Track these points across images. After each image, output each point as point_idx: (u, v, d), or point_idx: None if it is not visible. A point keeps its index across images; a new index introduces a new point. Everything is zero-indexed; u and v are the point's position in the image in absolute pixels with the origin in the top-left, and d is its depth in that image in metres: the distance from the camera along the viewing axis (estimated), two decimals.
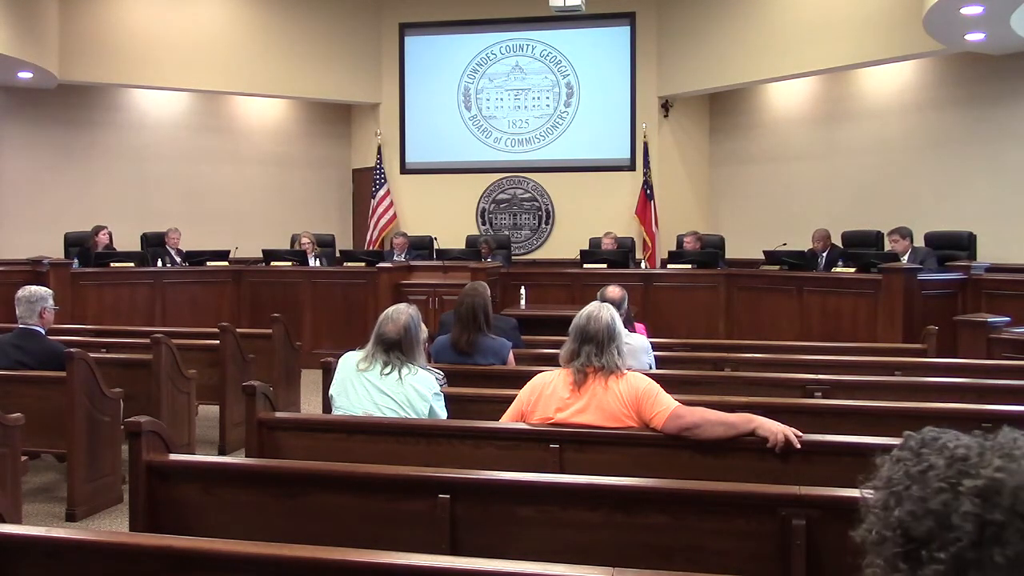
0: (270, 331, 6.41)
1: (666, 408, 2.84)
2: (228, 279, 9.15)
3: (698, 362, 5.09)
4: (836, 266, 8.01)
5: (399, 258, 9.69)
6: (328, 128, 12.10)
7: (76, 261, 8.62)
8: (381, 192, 11.20)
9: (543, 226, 11.28)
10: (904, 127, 9.34)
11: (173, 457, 2.62)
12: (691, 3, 10.59)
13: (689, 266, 8.99)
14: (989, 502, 0.85)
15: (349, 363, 3.34)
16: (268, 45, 10.82)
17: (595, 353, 2.96)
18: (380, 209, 11.17)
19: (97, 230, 9.29)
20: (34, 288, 4.77)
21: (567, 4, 8.92)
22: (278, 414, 3.24)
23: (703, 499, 2.31)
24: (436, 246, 10.22)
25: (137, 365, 5.11)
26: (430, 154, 11.43)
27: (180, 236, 9.67)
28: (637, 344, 4.23)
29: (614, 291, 4.53)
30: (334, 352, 3.90)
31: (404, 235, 10.29)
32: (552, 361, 3.47)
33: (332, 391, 3.37)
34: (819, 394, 3.96)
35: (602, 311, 3.08)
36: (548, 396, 3.00)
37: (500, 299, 8.15)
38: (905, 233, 7.59)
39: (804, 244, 8.77)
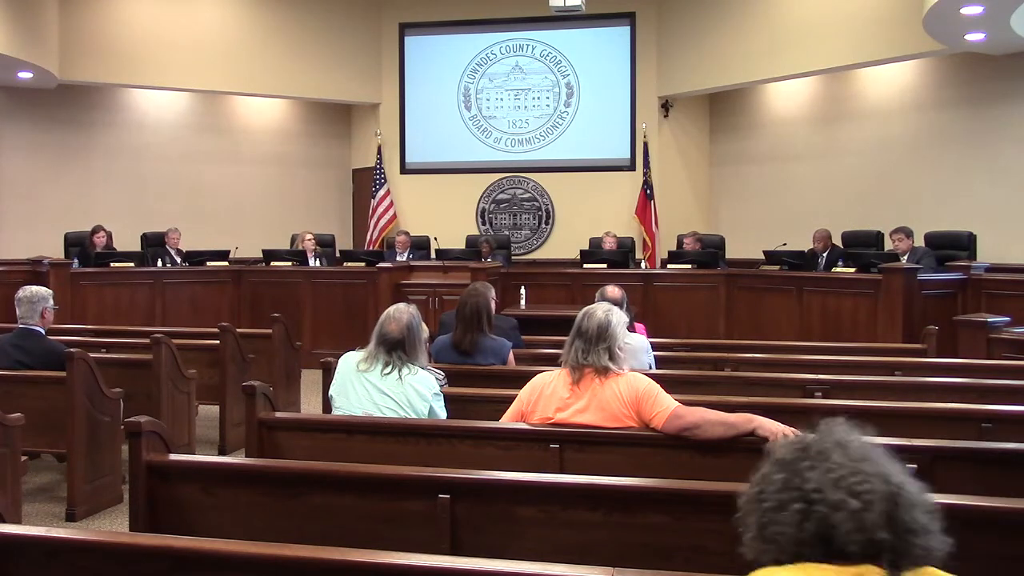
0: (270, 331, 6.41)
1: (666, 408, 2.84)
2: (228, 279, 9.15)
3: (698, 362, 5.10)
4: (836, 266, 8.02)
5: (401, 257, 9.69)
6: (328, 128, 12.10)
7: (76, 261, 8.63)
8: (381, 192, 11.20)
9: (543, 226, 11.28)
10: (904, 127, 9.35)
11: (173, 457, 2.62)
12: (691, 3, 10.59)
13: (689, 266, 9.00)
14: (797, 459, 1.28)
15: (349, 363, 3.34)
16: (268, 45, 10.82)
17: (583, 349, 2.96)
18: (380, 209, 11.17)
19: (94, 231, 9.30)
20: (35, 288, 4.77)
21: (567, 4, 8.91)
22: (278, 414, 3.23)
23: (703, 499, 2.30)
24: (436, 246, 10.22)
25: (137, 365, 5.11)
26: (430, 154, 11.43)
27: (180, 236, 9.66)
28: (637, 344, 4.22)
29: (613, 291, 4.53)
30: (334, 352, 3.90)
31: (406, 233, 10.30)
32: (551, 361, 3.47)
33: (332, 391, 3.36)
34: (819, 394, 3.96)
35: (597, 310, 3.07)
36: (548, 396, 3.00)
37: (500, 299, 8.15)
38: (908, 233, 7.61)
39: (804, 244, 8.77)
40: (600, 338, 2.96)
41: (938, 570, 1.19)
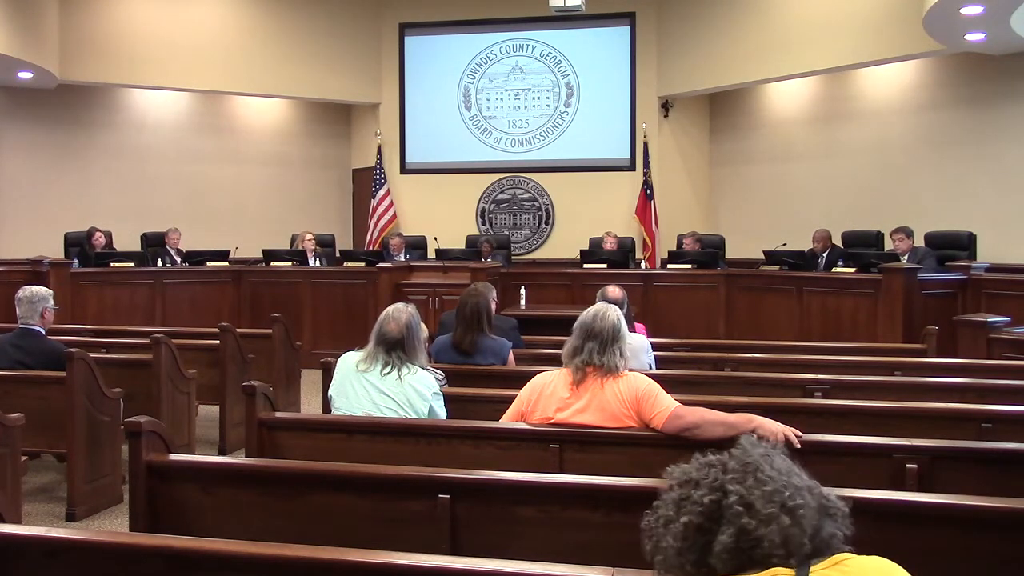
0: (270, 331, 6.41)
1: (666, 408, 2.84)
2: (228, 279, 9.15)
3: (698, 362, 5.09)
4: (836, 266, 8.02)
5: (398, 258, 9.69)
6: (328, 128, 12.10)
7: (76, 261, 8.63)
8: (381, 192, 11.20)
9: (543, 226, 11.28)
10: (904, 127, 9.34)
11: (173, 457, 2.62)
12: (691, 3, 10.59)
13: (689, 266, 9.00)
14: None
15: (348, 364, 3.34)
16: (268, 45, 10.82)
17: (597, 351, 2.96)
18: (380, 209, 11.18)
19: (91, 233, 9.31)
20: (35, 288, 4.77)
21: (567, 4, 8.92)
22: (278, 414, 3.23)
23: None
24: (435, 246, 10.21)
25: (137, 365, 5.11)
26: (430, 154, 11.43)
27: (180, 236, 9.67)
28: (637, 344, 4.22)
29: (614, 291, 4.54)
30: (334, 352, 3.90)
31: (400, 235, 10.33)
32: (551, 361, 3.47)
33: (331, 392, 3.36)
34: (819, 394, 3.96)
35: (609, 311, 3.09)
36: (548, 396, 3.00)
37: (500, 299, 8.16)
38: (909, 233, 7.61)
39: (804, 244, 8.77)
40: (614, 339, 2.97)
41: (846, 553, 1.19)
